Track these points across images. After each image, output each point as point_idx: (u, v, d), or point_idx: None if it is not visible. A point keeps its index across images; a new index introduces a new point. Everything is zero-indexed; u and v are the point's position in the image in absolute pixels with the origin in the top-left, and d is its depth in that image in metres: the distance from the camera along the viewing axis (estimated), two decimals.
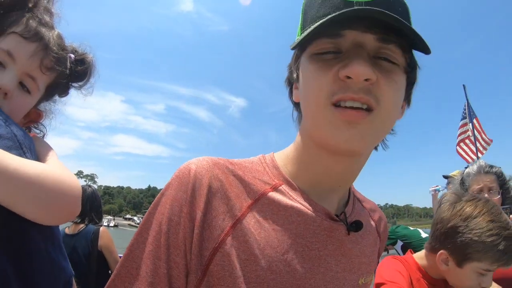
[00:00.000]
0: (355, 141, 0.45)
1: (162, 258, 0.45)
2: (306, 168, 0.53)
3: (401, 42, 0.45)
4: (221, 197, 0.48)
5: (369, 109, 0.45)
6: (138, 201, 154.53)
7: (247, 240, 0.46)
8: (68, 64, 0.79)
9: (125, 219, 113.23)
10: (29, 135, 0.70)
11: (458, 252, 1.00)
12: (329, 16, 0.42)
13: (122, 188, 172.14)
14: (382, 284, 1.04)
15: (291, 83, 0.58)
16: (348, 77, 0.43)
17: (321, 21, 0.43)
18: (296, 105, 0.58)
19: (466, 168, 1.79)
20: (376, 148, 0.56)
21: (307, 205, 0.51)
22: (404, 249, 3.42)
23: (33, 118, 0.82)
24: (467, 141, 5.86)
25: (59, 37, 0.77)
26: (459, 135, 6.01)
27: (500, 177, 1.66)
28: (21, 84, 0.72)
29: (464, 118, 6.04)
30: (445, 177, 3.95)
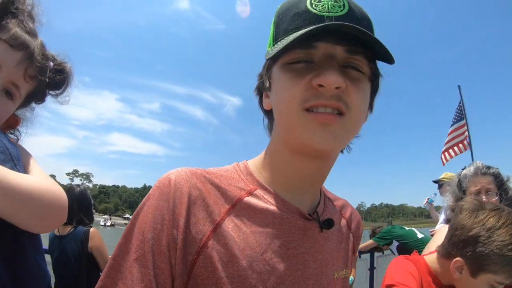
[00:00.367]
0: (329, 142, 0.48)
1: (148, 266, 0.46)
2: (279, 172, 0.57)
3: (366, 53, 0.50)
4: (201, 204, 0.51)
5: (340, 114, 0.49)
6: (133, 200, 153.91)
7: (227, 242, 0.49)
8: (48, 72, 0.81)
9: (124, 218, 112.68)
10: (16, 146, 0.75)
11: (475, 262, 0.97)
12: (305, 30, 0.46)
13: (118, 187, 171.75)
14: (392, 285, 1.01)
15: (261, 91, 0.61)
16: (320, 86, 0.47)
17: (298, 34, 0.46)
18: (267, 112, 0.62)
19: (463, 169, 1.76)
20: (342, 151, 0.61)
21: (281, 206, 0.54)
22: (400, 249, 3.41)
23: (11, 124, 0.84)
24: (465, 142, 5.74)
25: (42, 45, 0.78)
26: (455, 137, 5.80)
27: (497, 178, 1.63)
28: (5, 92, 0.74)
29: (460, 119, 5.86)
30: (436, 181, 3.93)
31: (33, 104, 0.86)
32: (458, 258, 1.02)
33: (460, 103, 5.95)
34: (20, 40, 0.71)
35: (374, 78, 0.55)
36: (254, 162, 0.61)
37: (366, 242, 3.79)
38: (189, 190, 0.51)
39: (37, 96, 0.83)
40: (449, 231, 1.10)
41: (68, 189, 2.50)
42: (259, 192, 0.55)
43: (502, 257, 0.92)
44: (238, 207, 0.53)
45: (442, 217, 2.59)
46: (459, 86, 6.06)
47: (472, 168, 1.69)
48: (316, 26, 0.45)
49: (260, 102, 0.62)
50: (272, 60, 0.54)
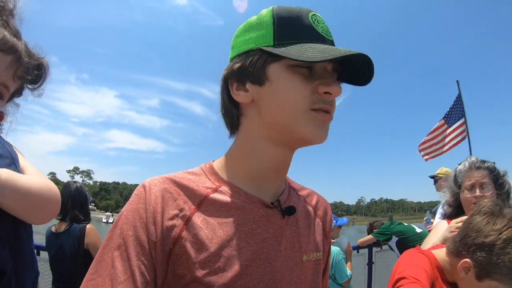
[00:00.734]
0: (325, 136, 0.60)
1: (131, 258, 0.53)
2: (243, 166, 0.64)
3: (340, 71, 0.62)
4: (172, 204, 0.59)
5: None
6: None
7: (197, 233, 0.56)
8: (33, 71, 0.84)
9: None
10: (13, 148, 0.83)
11: (484, 267, 0.97)
12: (342, 54, 0.52)
13: (118, 183, 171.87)
14: (403, 278, 1.00)
15: (240, 81, 0.62)
16: (326, 93, 0.57)
17: (328, 58, 0.52)
18: (237, 105, 0.64)
19: (459, 165, 1.74)
20: None
21: (244, 198, 0.62)
22: (399, 245, 3.42)
23: None
24: (454, 141, 5.57)
25: (26, 46, 0.81)
26: (457, 135, 5.64)
27: (492, 172, 1.60)
28: None
29: (461, 117, 5.70)
30: (431, 177, 3.98)
31: (14, 99, 0.89)
32: (467, 260, 1.01)
33: (458, 97, 5.81)
34: (9, 44, 0.74)
35: None
36: (219, 162, 0.68)
37: (365, 237, 3.80)
38: (162, 193, 0.58)
39: (18, 91, 0.86)
40: (463, 230, 1.08)
41: (65, 185, 2.50)
42: (223, 188, 0.63)
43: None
44: (205, 203, 0.60)
45: (439, 212, 2.59)
46: (457, 81, 5.95)
47: (466, 163, 1.68)
48: (343, 54, 0.52)
49: (227, 91, 0.64)
50: (273, 58, 0.58)
